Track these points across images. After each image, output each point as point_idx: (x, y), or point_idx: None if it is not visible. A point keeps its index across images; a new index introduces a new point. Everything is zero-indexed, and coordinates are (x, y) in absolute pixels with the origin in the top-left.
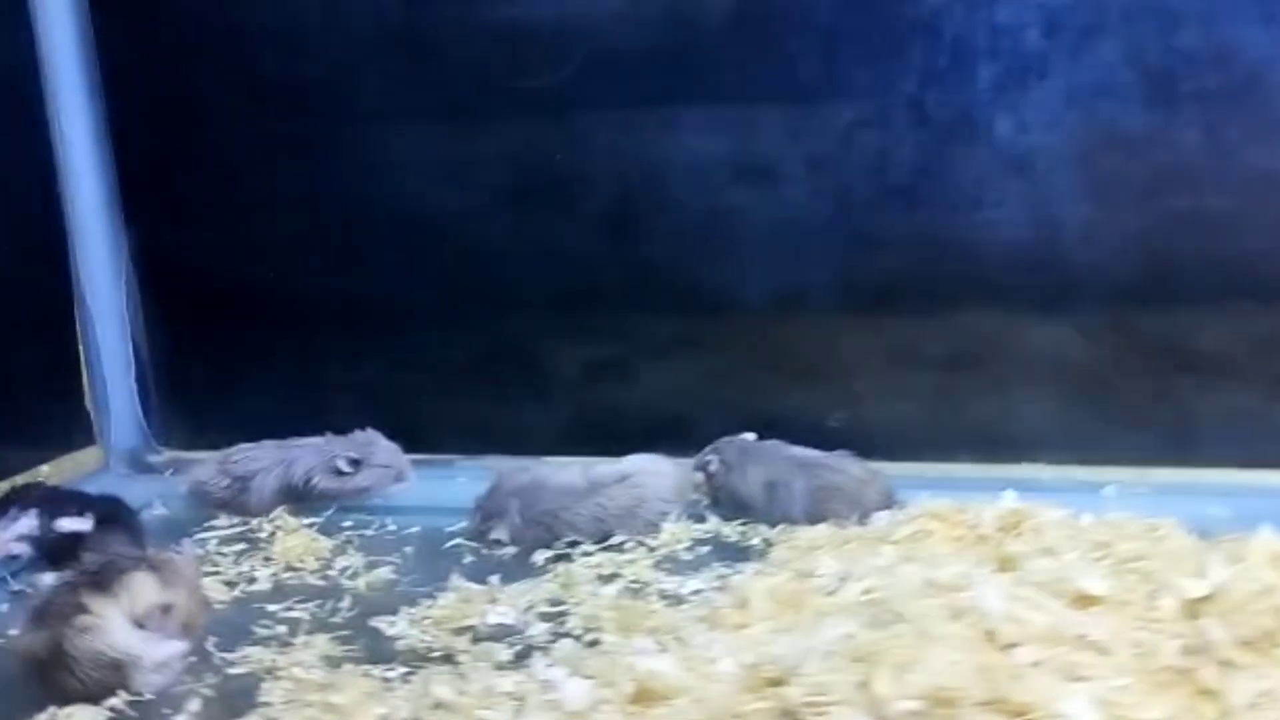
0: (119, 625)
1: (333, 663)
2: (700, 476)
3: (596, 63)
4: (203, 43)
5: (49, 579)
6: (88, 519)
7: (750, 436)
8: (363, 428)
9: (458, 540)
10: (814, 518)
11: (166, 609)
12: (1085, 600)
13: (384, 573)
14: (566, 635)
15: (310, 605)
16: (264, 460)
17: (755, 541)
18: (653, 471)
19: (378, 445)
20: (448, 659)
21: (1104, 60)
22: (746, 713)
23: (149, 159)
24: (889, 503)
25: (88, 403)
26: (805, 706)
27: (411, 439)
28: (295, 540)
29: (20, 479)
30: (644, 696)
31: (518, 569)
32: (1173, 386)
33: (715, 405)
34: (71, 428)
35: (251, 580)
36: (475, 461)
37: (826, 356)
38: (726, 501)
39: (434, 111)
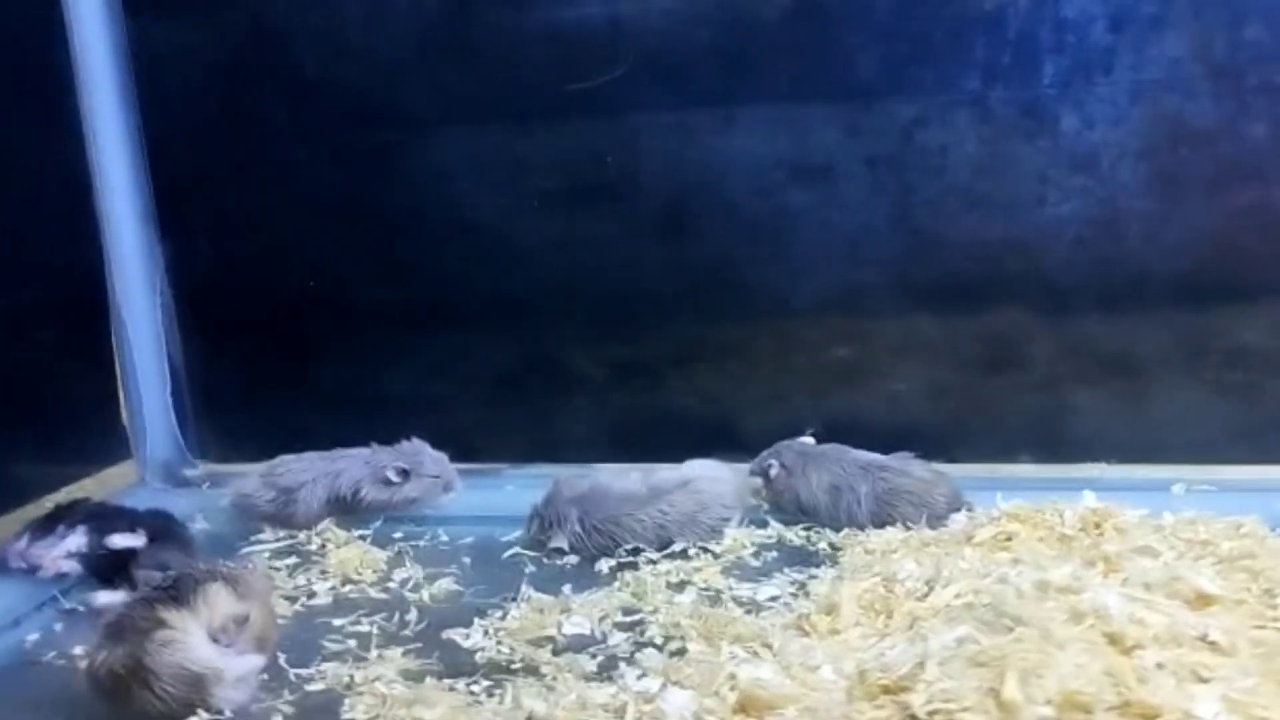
0: (199, 639)
1: (412, 677)
2: (759, 481)
3: (649, 63)
4: (241, 50)
5: (103, 597)
6: (140, 535)
7: (809, 440)
8: (408, 437)
9: (516, 549)
10: (880, 521)
11: (242, 623)
12: (1202, 600)
13: (447, 584)
14: (649, 645)
15: (377, 618)
16: (310, 472)
17: (821, 546)
18: (713, 477)
19: (425, 455)
20: (532, 671)
21: (1170, 54)
22: None
23: (185, 170)
24: (957, 504)
25: (123, 417)
26: (930, 714)
27: (456, 448)
28: (349, 553)
29: (60, 496)
30: (750, 706)
31: (583, 578)
32: (1240, 383)
33: (768, 409)
34: (107, 443)
35: (311, 594)
36: (522, 470)
37: (884, 358)
38: (788, 506)
39: (483, 115)
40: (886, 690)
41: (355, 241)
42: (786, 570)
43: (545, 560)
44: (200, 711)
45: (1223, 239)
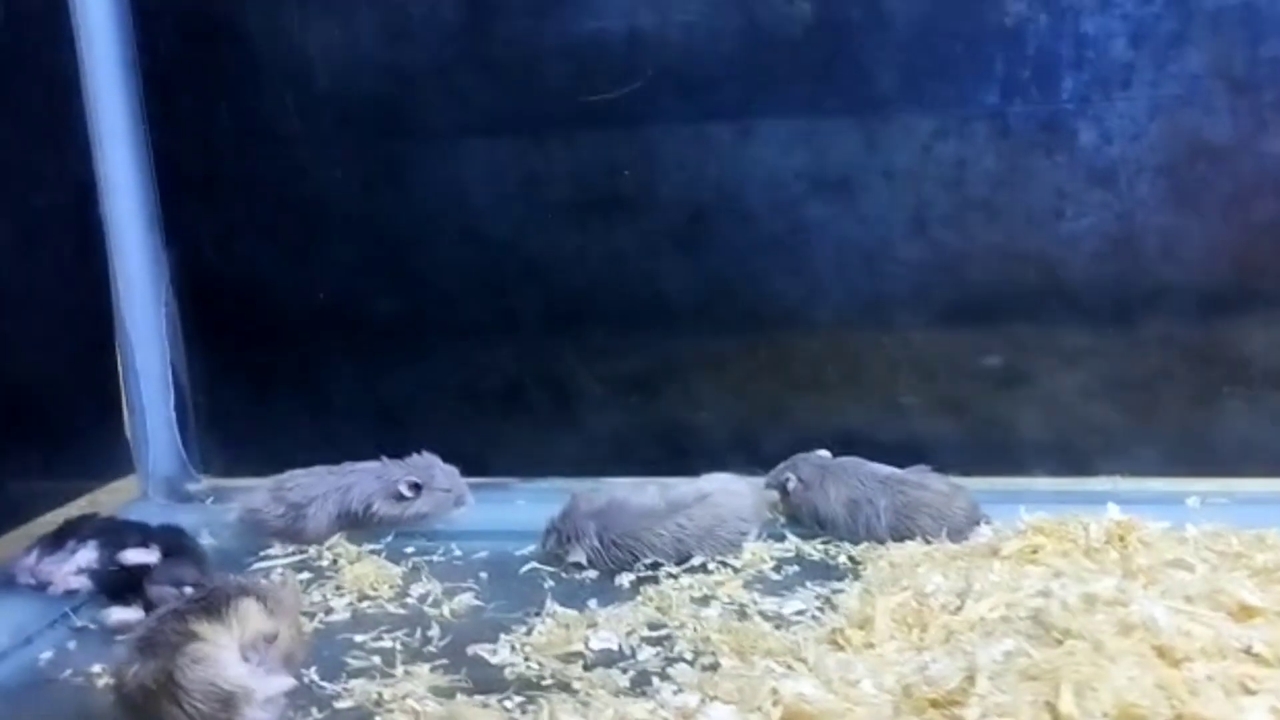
0: (232, 656)
1: (443, 693)
2: (776, 494)
3: (668, 76)
4: (251, 58)
5: (117, 613)
6: (154, 550)
7: (825, 453)
8: (419, 451)
9: (533, 564)
10: (899, 535)
11: (273, 640)
12: (1245, 612)
13: (466, 599)
14: (679, 660)
15: (399, 634)
16: (320, 486)
17: (841, 560)
18: (731, 490)
19: (436, 469)
20: (564, 687)
21: (1189, 70)
22: None
23: (192, 178)
24: (975, 518)
25: (127, 431)
26: None
27: (466, 462)
28: (364, 568)
29: (62, 512)
30: None
31: (604, 592)
32: (1256, 396)
33: (783, 422)
34: (109, 457)
35: (329, 610)
36: (534, 484)
37: (901, 371)
38: (806, 519)
39: (498, 126)
40: (935, 704)
41: (366, 253)
42: (809, 584)
43: (564, 575)
44: None
45: (1240, 254)
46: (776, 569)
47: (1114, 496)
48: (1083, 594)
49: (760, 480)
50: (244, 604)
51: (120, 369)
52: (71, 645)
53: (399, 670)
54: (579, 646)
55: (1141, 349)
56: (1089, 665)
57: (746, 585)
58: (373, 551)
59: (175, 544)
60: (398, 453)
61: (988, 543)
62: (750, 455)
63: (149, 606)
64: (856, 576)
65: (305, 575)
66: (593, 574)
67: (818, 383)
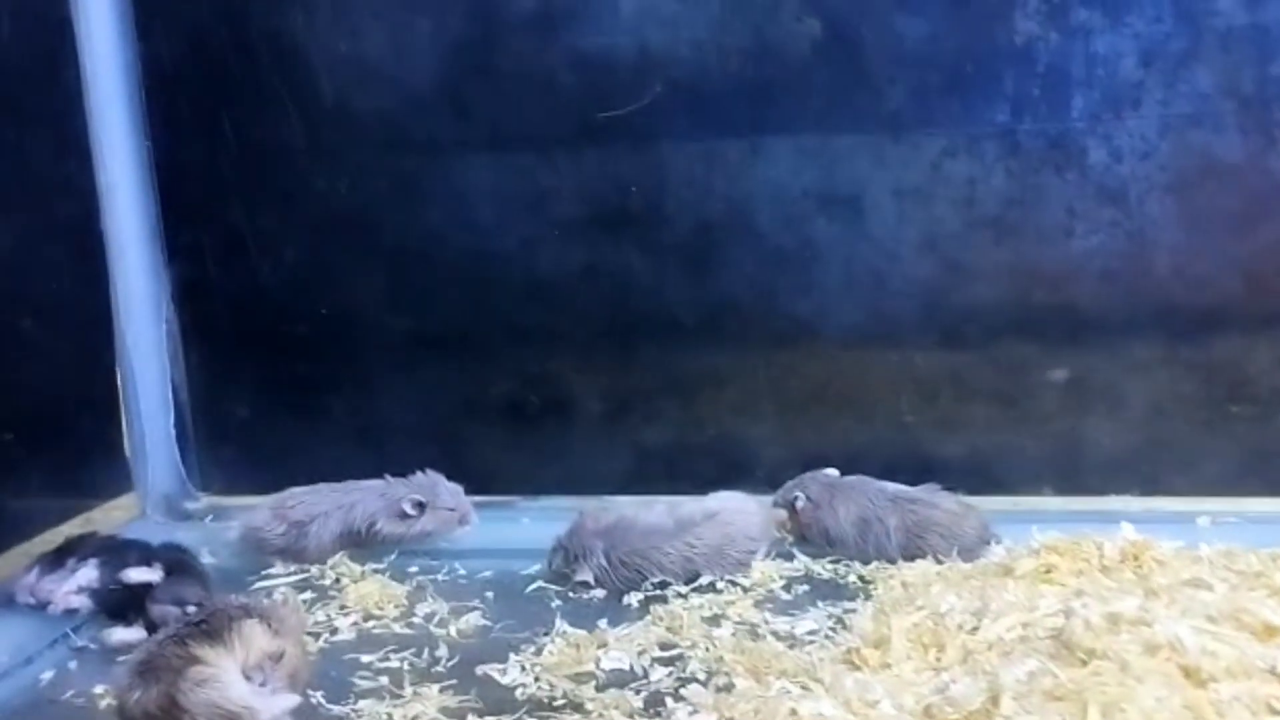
0: (235, 677)
1: (453, 715)
2: (784, 513)
3: (677, 92)
4: (255, 71)
5: (119, 633)
6: (157, 569)
7: (833, 471)
8: (422, 469)
9: (539, 583)
10: (909, 554)
11: (277, 660)
12: (1268, 631)
13: (473, 619)
14: (692, 680)
15: (406, 654)
16: (322, 505)
17: (851, 579)
18: (740, 509)
19: (440, 487)
20: (576, 708)
21: (1199, 89)
22: None
23: (194, 192)
24: (986, 537)
25: (125, 448)
26: None
27: (469, 480)
28: (368, 587)
29: (60, 530)
30: None
31: (612, 611)
32: (1266, 416)
33: (790, 440)
34: (108, 474)
35: (334, 630)
36: (538, 502)
37: (909, 389)
38: (815, 538)
39: (504, 142)
40: None
41: (370, 268)
42: (820, 604)
43: (571, 594)
44: None
45: (1250, 272)
46: (786, 588)
47: (1123, 516)
48: (1106, 613)
49: (768, 499)
50: (247, 625)
51: (120, 384)
52: (72, 665)
53: (407, 691)
54: (590, 667)
55: (1150, 367)
56: (1116, 686)
57: (757, 605)
58: (376, 570)
59: (177, 562)
60: (401, 471)
61: (1000, 562)
62: (757, 473)
63: (151, 626)
64: (868, 596)
65: (308, 594)
66: (600, 593)
67: (825, 401)
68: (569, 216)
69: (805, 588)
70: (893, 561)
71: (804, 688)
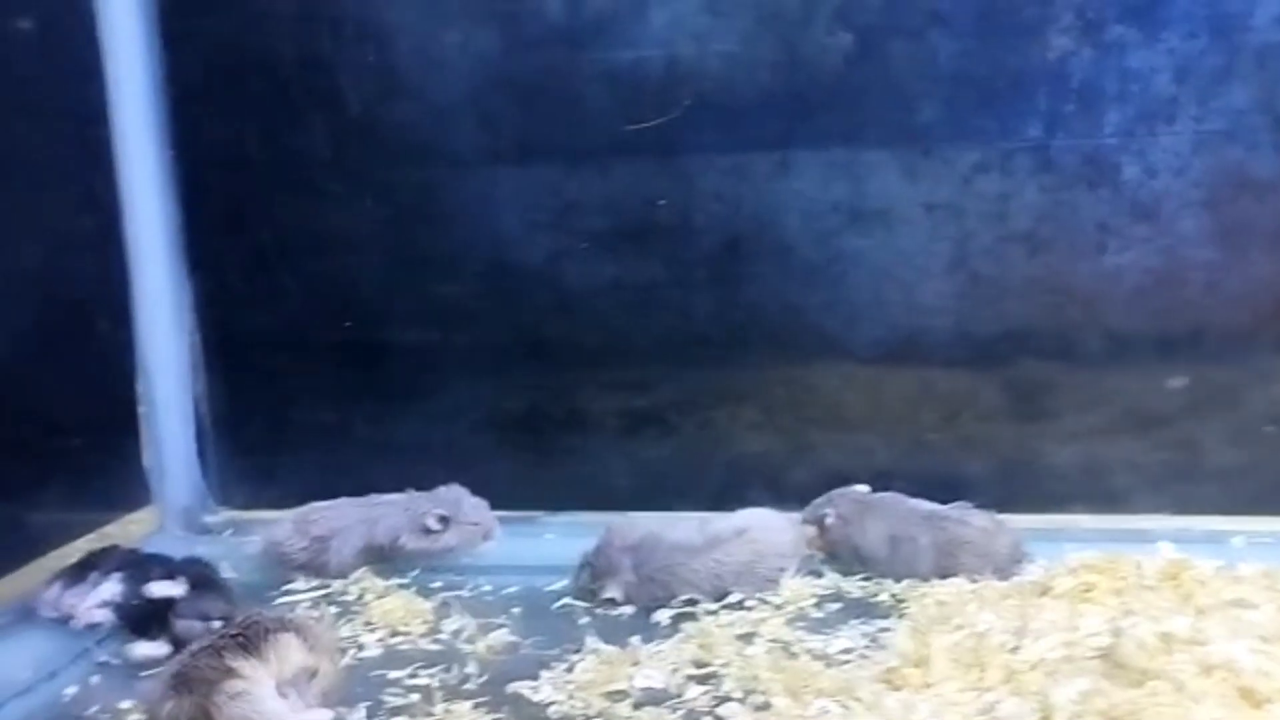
0: (269, 692)
1: None
2: (813, 530)
3: (706, 105)
4: (280, 85)
5: (142, 648)
6: (180, 583)
7: (863, 488)
8: (445, 483)
9: (566, 600)
10: (941, 572)
11: (312, 676)
12: None
13: (502, 635)
14: (728, 699)
15: (435, 671)
16: (345, 519)
17: (883, 598)
18: (769, 526)
19: (464, 502)
20: None
21: (1234, 105)
22: None
23: (217, 205)
24: (1018, 555)
25: (145, 461)
26: None
27: (493, 495)
28: (393, 603)
29: (79, 544)
30: None
31: (643, 628)
32: None
33: (819, 456)
34: (127, 487)
35: (360, 646)
36: (562, 518)
37: (939, 406)
38: (845, 556)
39: (532, 155)
40: None
41: (395, 281)
42: (853, 622)
43: (598, 611)
44: None
45: None
46: (818, 606)
47: (1154, 535)
48: (1159, 633)
49: (797, 516)
50: (283, 639)
51: (140, 398)
52: (95, 680)
53: (439, 708)
54: (624, 685)
55: (1185, 384)
56: (1172, 706)
57: (789, 622)
58: (400, 586)
59: (200, 577)
60: (424, 485)
61: (1037, 581)
62: (786, 489)
63: (175, 641)
64: (901, 614)
65: (332, 610)
66: (628, 610)
67: (855, 417)
68: (596, 230)
69: (837, 606)
70: (925, 579)
71: (844, 706)
